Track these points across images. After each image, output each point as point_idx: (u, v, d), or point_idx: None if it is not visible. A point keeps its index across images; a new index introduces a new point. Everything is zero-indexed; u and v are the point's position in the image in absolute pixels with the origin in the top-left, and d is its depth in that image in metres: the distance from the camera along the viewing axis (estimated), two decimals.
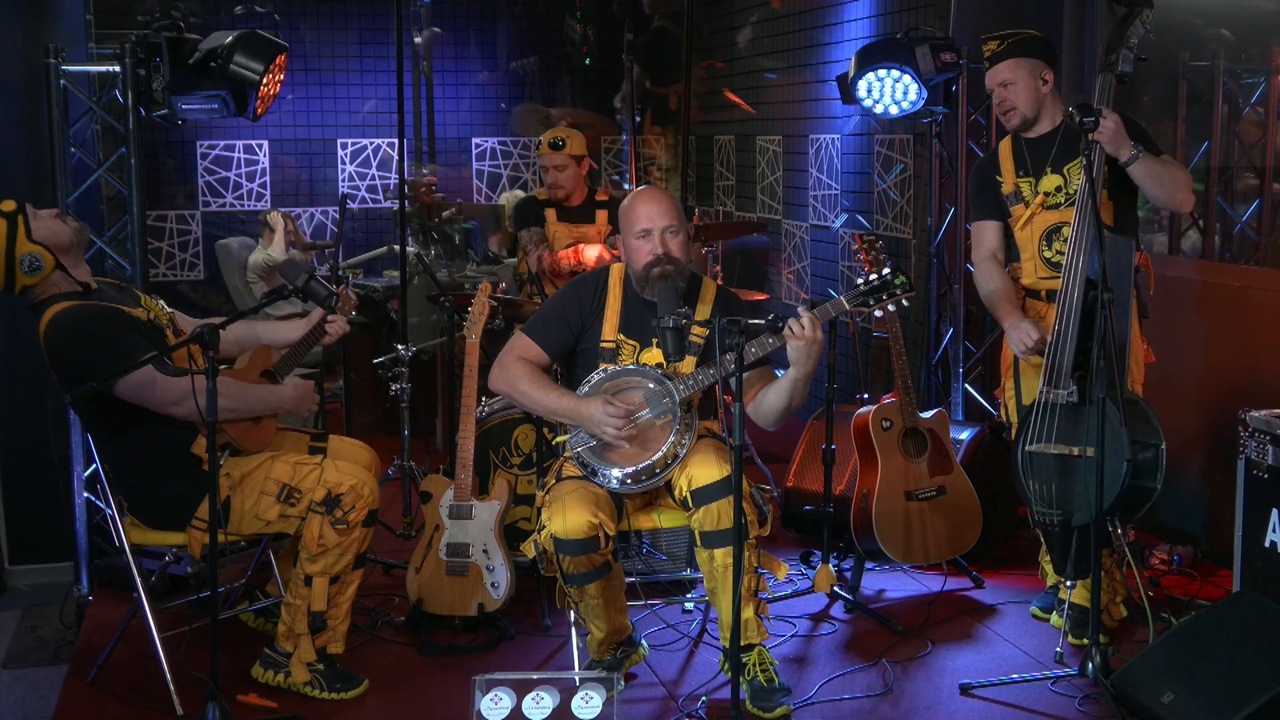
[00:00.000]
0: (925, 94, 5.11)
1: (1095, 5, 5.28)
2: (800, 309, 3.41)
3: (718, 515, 3.47)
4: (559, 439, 3.70)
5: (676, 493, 3.59)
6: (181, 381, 3.45)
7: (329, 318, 4.00)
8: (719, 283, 4.14)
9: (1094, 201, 3.68)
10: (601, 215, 5.46)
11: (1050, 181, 4.06)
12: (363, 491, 3.68)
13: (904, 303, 3.60)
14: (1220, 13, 5.70)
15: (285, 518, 3.67)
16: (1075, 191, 3.92)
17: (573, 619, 3.75)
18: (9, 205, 3.59)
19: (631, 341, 3.71)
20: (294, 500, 3.65)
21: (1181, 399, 4.81)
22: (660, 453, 3.52)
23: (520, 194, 8.02)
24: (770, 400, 3.57)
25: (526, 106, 8.79)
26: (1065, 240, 3.96)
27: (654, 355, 3.67)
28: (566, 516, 3.44)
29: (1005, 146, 4.20)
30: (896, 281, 3.57)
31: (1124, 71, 3.89)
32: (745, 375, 3.30)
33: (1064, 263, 3.86)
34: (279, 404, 3.79)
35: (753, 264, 7.80)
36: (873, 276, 3.59)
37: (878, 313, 3.60)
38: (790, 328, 3.38)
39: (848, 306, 3.57)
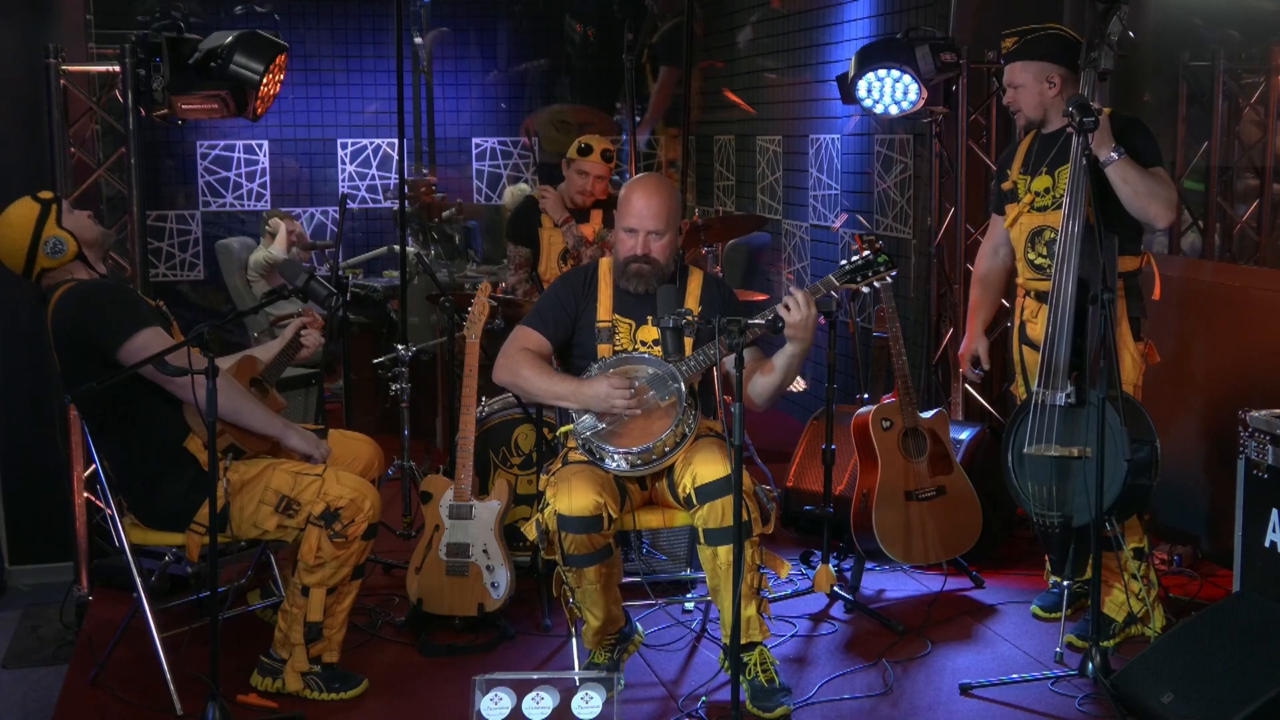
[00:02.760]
0: (925, 94, 5.10)
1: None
2: (792, 287, 3.54)
3: (722, 512, 3.48)
4: (563, 429, 3.72)
5: (680, 491, 3.61)
6: (182, 354, 3.43)
7: (303, 333, 3.99)
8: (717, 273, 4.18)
9: (1092, 200, 3.68)
10: (596, 215, 5.41)
11: (1040, 182, 4.04)
12: (363, 505, 3.65)
13: (888, 279, 3.76)
14: (1221, 13, 5.70)
15: (283, 528, 3.66)
16: (1061, 195, 3.91)
17: (570, 601, 3.72)
18: (46, 194, 3.68)
19: (626, 320, 3.78)
20: (292, 512, 3.63)
21: (1181, 399, 4.81)
22: (667, 433, 3.56)
23: (525, 188, 7.99)
24: (765, 379, 3.66)
25: (543, 114, 8.73)
26: (1047, 244, 3.96)
27: (650, 331, 3.74)
28: (573, 495, 3.47)
29: (1026, 140, 4.17)
30: (880, 260, 3.71)
31: (1105, 68, 3.88)
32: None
33: (1054, 263, 3.85)
34: (278, 434, 3.71)
35: (754, 263, 7.80)
36: (855, 257, 3.74)
37: (865, 289, 3.76)
38: (785, 305, 3.49)
39: (837, 283, 3.70)
